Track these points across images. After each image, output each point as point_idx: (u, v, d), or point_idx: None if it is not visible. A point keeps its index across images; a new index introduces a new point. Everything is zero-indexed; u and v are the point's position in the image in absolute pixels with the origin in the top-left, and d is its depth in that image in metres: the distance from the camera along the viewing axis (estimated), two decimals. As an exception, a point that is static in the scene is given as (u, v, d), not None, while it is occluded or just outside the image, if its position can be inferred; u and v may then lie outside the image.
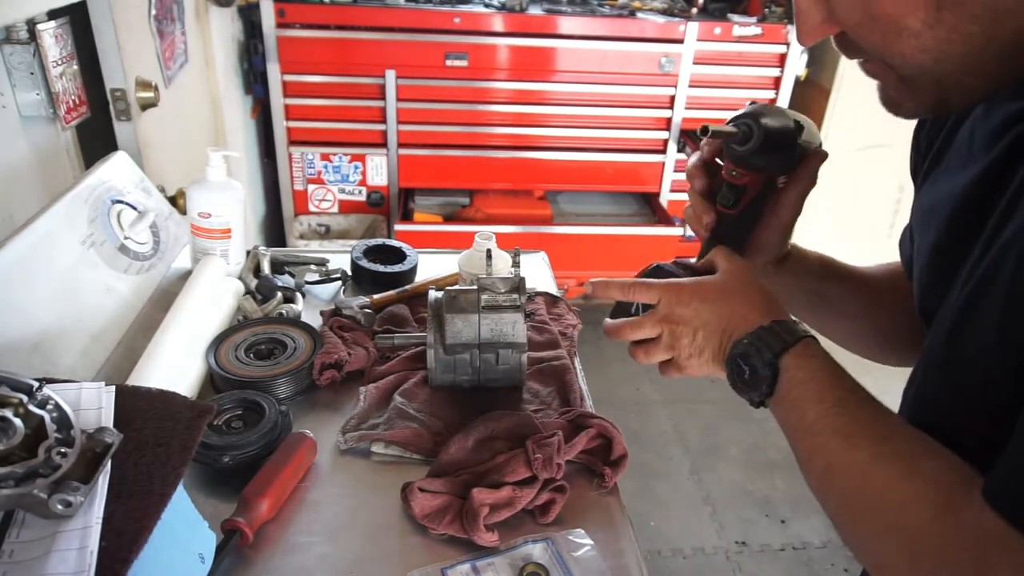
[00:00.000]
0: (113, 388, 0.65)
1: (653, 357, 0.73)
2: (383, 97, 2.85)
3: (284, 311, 1.14)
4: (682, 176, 3.16)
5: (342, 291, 1.27)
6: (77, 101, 1.27)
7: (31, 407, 0.57)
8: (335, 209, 3.11)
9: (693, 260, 0.80)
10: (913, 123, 0.72)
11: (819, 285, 0.84)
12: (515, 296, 0.93)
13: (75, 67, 1.26)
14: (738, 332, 0.66)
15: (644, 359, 0.74)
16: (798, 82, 3.03)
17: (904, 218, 0.75)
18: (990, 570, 0.44)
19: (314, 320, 1.12)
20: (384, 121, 2.91)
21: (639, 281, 0.73)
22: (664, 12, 3.02)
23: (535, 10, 2.88)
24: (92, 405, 0.63)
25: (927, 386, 0.59)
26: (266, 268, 1.24)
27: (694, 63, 2.93)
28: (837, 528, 0.57)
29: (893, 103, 0.57)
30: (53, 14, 1.21)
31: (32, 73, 1.14)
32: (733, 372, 0.66)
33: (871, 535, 0.52)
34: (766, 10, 2.98)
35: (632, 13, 2.97)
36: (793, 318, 0.67)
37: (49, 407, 0.58)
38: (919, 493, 0.50)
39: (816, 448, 0.58)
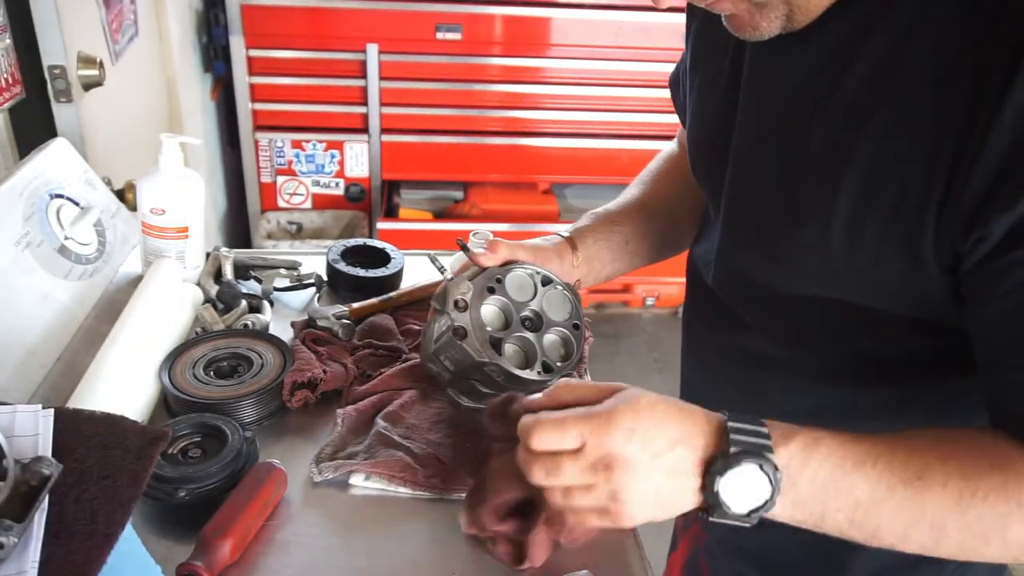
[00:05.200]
0: (52, 411, 0.65)
1: (584, 515, 0.65)
2: (364, 75, 2.86)
3: (249, 322, 1.14)
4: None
5: (316, 299, 1.27)
6: (10, 80, 1.27)
7: (-44, 434, 0.57)
8: (308, 204, 3.12)
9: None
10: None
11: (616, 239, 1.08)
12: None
13: (8, 41, 1.27)
14: (702, 451, 0.62)
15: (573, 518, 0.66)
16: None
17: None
18: None
19: (284, 332, 1.12)
20: (365, 103, 2.92)
21: (546, 421, 0.63)
22: (687, -23, 3.03)
23: (538, -25, 2.90)
24: (27, 431, 0.63)
25: None
26: (228, 273, 1.24)
27: (721, 36, 2.94)
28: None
29: (749, 27, 0.68)
30: (-17, -19, 1.22)
31: (-41, 48, 1.14)
32: (718, 497, 0.60)
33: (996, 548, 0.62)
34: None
35: (650, -22, 2.98)
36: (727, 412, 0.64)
37: (-23, 434, 0.58)
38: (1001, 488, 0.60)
39: (896, 512, 0.62)
